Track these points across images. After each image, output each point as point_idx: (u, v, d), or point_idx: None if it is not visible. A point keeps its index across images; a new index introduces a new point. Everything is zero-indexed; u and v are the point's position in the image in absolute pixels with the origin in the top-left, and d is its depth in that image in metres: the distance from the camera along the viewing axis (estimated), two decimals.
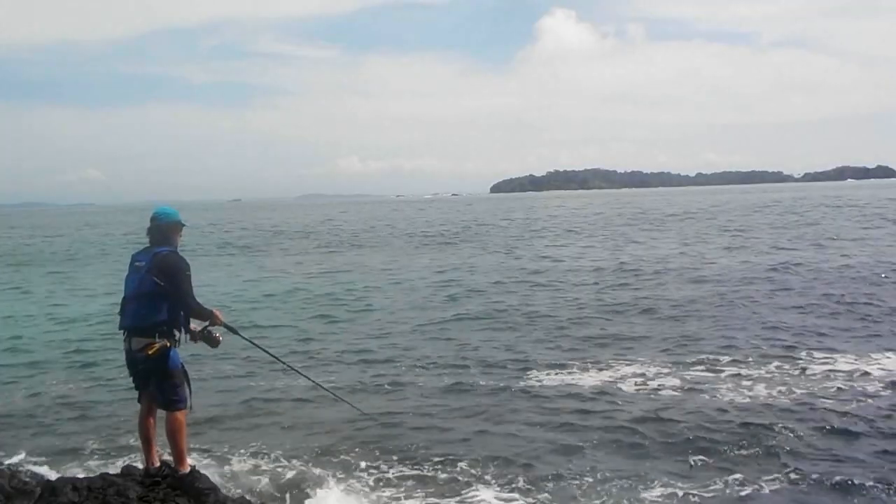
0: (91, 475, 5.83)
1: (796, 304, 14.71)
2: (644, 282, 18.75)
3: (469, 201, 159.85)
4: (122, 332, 5.68)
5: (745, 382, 9.26)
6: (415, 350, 11.80)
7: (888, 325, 12.40)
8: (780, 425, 7.58)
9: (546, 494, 6.27)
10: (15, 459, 7.18)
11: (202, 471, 5.88)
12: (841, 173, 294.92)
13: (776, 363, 10.08)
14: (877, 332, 11.99)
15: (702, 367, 10.05)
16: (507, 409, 8.52)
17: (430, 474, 6.73)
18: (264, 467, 6.94)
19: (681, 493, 6.20)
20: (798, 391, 8.81)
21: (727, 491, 6.25)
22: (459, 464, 6.91)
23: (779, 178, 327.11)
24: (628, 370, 10.04)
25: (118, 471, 5.92)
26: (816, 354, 10.48)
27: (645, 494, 6.21)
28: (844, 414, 7.94)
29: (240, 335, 5.95)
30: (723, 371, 9.83)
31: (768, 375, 9.55)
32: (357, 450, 7.31)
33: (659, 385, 9.30)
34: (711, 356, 10.60)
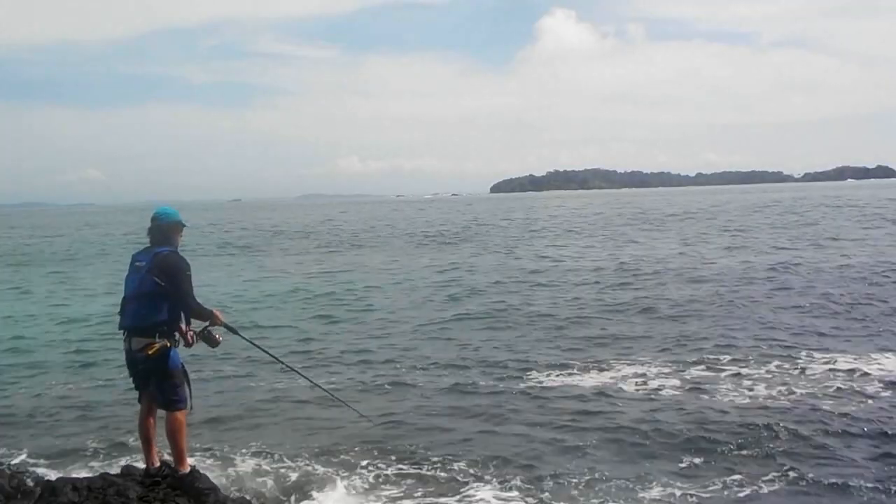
0: (91, 475, 5.83)
1: (796, 304, 14.71)
2: (644, 282, 18.75)
3: (469, 201, 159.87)
4: (121, 332, 5.68)
5: (745, 382, 9.26)
6: (415, 350, 11.80)
7: (888, 325, 12.40)
8: (779, 425, 7.58)
9: (546, 494, 6.26)
10: (15, 459, 7.18)
11: (202, 471, 5.88)
12: (841, 173, 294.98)
13: (776, 363, 10.08)
14: (877, 332, 11.99)
15: (702, 367, 10.06)
16: (508, 410, 8.52)
17: (429, 474, 6.73)
18: (264, 467, 6.94)
19: (680, 494, 6.20)
20: (798, 391, 8.81)
21: (727, 491, 6.25)
22: (459, 464, 6.91)
23: (779, 178, 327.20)
24: (628, 370, 10.04)
25: (118, 471, 5.93)
26: (816, 354, 10.48)
27: (644, 494, 6.22)
28: (844, 414, 7.94)
29: (240, 335, 5.96)
30: (723, 371, 9.83)
31: (768, 375, 9.55)
32: (357, 450, 7.31)
33: (659, 385, 9.30)
34: (711, 356, 10.60)
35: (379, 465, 6.95)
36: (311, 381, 7.52)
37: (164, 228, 5.76)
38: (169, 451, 5.71)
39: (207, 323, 5.72)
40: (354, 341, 12.62)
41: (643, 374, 9.80)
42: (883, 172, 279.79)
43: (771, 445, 7.13)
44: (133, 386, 5.81)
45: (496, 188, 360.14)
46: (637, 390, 9.13)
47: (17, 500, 5.48)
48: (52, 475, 6.29)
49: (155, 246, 5.71)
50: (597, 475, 6.58)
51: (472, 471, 6.76)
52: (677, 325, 13.06)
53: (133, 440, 7.23)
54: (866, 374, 9.45)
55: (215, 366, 10.45)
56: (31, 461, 7.15)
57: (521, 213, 69.77)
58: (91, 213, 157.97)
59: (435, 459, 7.03)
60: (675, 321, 13.47)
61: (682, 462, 6.85)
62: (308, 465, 6.98)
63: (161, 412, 5.70)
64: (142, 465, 5.85)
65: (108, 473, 5.79)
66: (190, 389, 5.71)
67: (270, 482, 6.60)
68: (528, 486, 6.41)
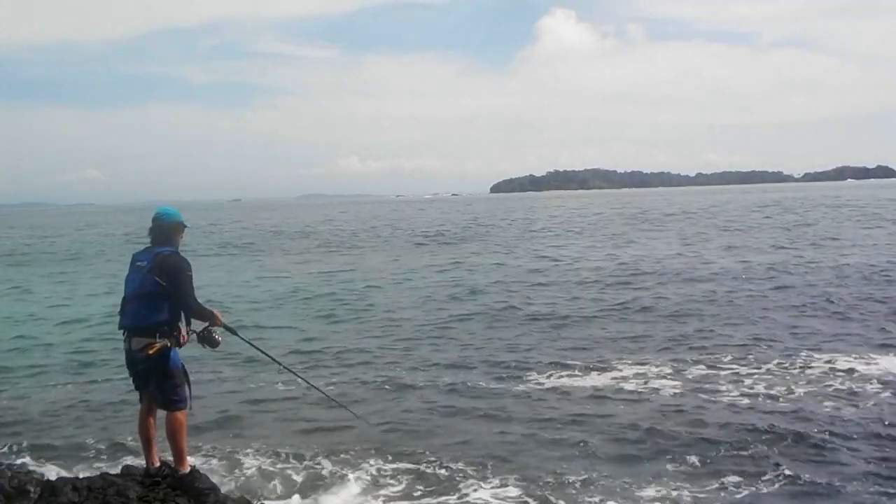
0: (91, 475, 5.83)
1: (795, 303, 14.72)
2: (644, 282, 18.75)
3: (469, 201, 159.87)
4: (121, 332, 5.68)
5: (744, 382, 9.26)
6: (415, 350, 11.81)
7: (887, 325, 12.40)
8: (779, 425, 7.58)
9: (545, 494, 6.26)
10: (15, 459, 7.18)
11: (202, 471, 5.88)
12: (841, 173, 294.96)
13: (776, 363, 10.09)
14: (876, 331, 12.00)
15: (702, 367, 10.06)
16: (507, 410, 8.52)
17: (429, 475, 6.73)
18: (264, 467, 6.95)
19: (680, 494, 6.20)
20: (797, 391, 8.82)
21: (726, 491, 6.25)
22: (459, 464, 6.92)
23: (779, 178, 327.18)
24: (628, 370, 10.04)
25: (118, 471, 5.92)
26: (815, 354, 10.48)
27: (644, 494, 6.22)
28: (843, 414, 7.95)
29: (239, 336, 5.95)
30: (722, 371, 9.83)
31: (768, 375, 9.55)
32: (357, 449, 7.31)
33: (659, 385, 9.30)
34: (711, 356, 10.61)
35: (379, 465, 6.95)
36: (309, 384, 7.49)
37: (166, 228, 5.76)
38: (169, 451, 5.71)
39: (207, 324, 5.72)
40: (355, 341, 12.63)
41: (643, 374, 9.80)
42: (883, 172, 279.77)
43: (770, 445, 7.13)
44: (133, 386, 5.81)
45: (496, 188, 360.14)
46: (637, 390, 9.13)
47: (17, 500, 5.48)
48: (52, 475, 6.30)
49: (156, 246, 5.70)
50: (596, 475, 6.59)
51: (471, 471, 6.76)
52: (677, 325, 13.07)
53: (133, 440, 7.23)
54: (866, 374, 9.45)
55: (215, 366, 10.45)
56: (31, 461, 7.16)
57: (521, 213, 69.78)
58: (91, 213, 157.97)
59: (435, 459, 7.04)
60: (674, 321, 13.48)
61: (681, 462, 6.85)
62: (308, 465, 6.98)
63: (161, 412, 5.70)
64: (142, 465, 5.85)
65: (108, 473, 5.78)
66: (190, 389, 5.71)
67: (270, 482, 6.61)
68: (528, 486, 6.41)
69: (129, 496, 5.22)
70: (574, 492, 6.30)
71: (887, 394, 8.63)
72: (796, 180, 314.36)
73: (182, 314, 5.65)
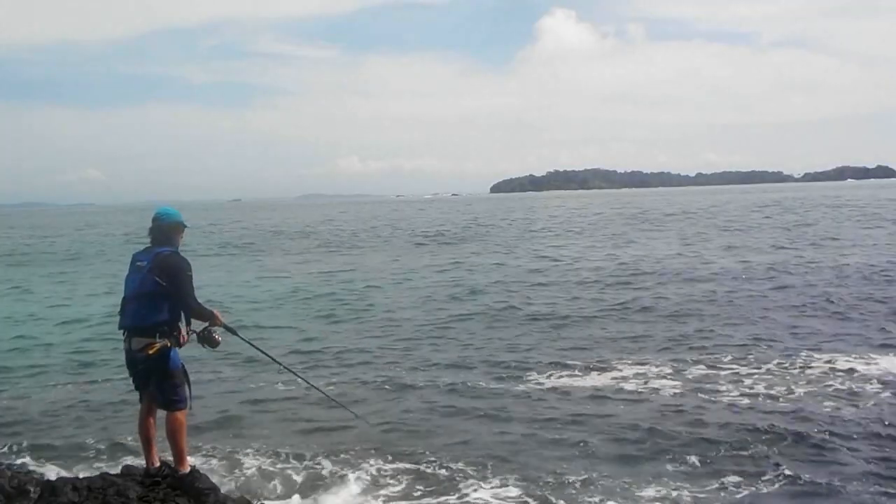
0: (91, 475, 5.83)
1: (796, 303, 14.72)
2: (644, 282, 18.75)
3: (469, 201, 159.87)
4: (121, 332, 5.68)
5: (744, 382, 9.26)
6: (415, 350, 11.81)
7: (887, 325, 12.40)
8: (778, 425, 7.58)
9: (545, 494, 6.26)
10: (15, 459, 7.18)
11: (202, 471, 5.88)
12: (841, 173, 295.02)
13: (775, 363, 10.09)
14: (876, 331, 12.00)
15: (701, 367, 10.06)
16: (507, 410, 8.52)
17: (429, 475, 6.73)
18: (264, 468, 6.95)
19: (679, 493, 6.20)
20: (797, 391, 8.82)
21: (726, 491, 6.25)
22: (458, 464, 6.91)
23: (779, 178, 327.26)
24: (628, 370, 10.04)
25: (118, 471, 5.92)
26: (815, 354, 10.48)
27: (643, 494, 6.22)
28: (843, 414, 7.95)
29: (239, 336, 5.95)
30: (722, 371, 9.83)
31: (768, 375, 9.55)
32: (357, 449, 7.31)
33: (659, 385, 9.30)
34: (711, 356, 10.61)
35: (379, 465, 6.95)
36: (309, 383, 7.49)
37: (166, 229, 5.76)
38: (169, 451, 5.71)
39: (207, 324, 5.72)
40: (355, 341, 12.63)
41: (643, 374, 9.80)
42: (883, 172, 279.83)
43: (770, 445, 7.13)
44: (133, 386, 5.81)
45: (496, 188, 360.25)
46: (636, 390, 9.13)
47: (17, 500, 5.48)
48: (52, 475, 6.30)
49: (156, 246, 5.70)
50: (596, 475, 6.59)
51: (471, 471, 6.76)
52: (677, 325, 13.07)
53: (133, 440, 7.22)
54: (866, 374, 9.45)
55: (215, 366, 10.46)
56: (31, 461, 7.16)
57: (521, 213, 69.77)
58: (91, 213, 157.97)
59: (435, 459, 7.04)
60: (674, 321, 13.48)
61: (681, 462, 6.85)
62: (308, 465, 6.98)
63: (161, 412, 5.70)
64: (142, 465, 5.84)
65: (108, 473, 5.78)
66: (190, 390, 5.71)
67: (270, 482, 6.61)
68: (528, 486, 6.41)
69: (129, 496, 5.22)
70: (574, 492, 6.30)
71: (887, 394, 8.63)
72: (796, 180, 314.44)
73: (182, 314, 5.66)
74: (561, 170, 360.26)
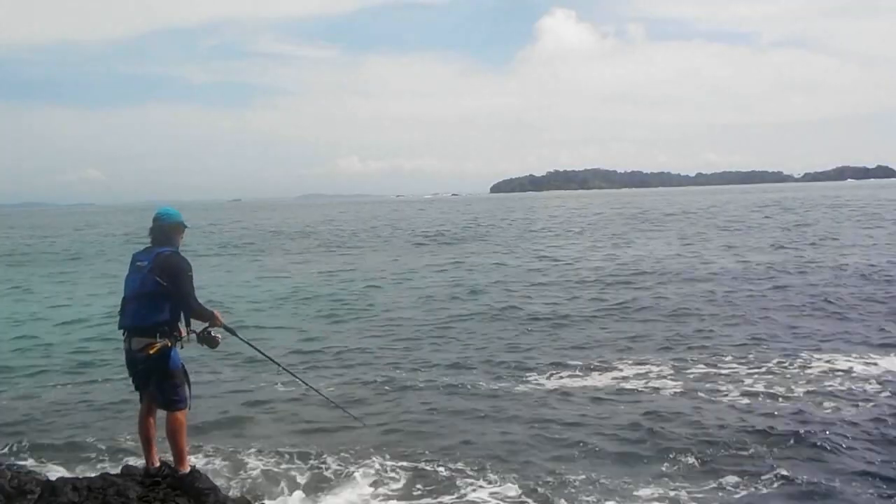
0: (91, 475, 5.83)
1: (795, 303, 14.72)
2: (644, 282, 18.75)
3: (469, 201, 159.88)
4: (121, 332, 5.68)
5: (744, 382, 9.26)
6: (415, 350, 11.81)
7: (887, 325, 12.40)
8: (779, 426, 7.59)
9: (544, 494, 6.26)
10: (15, 460, 7.18)
11: (202, 471, 5.88)
12: (841, 173, 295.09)
13: (776, 363, 10.09)
14: (876, 331, 12.00)
15: (701, 367, 10.06)
16: (507, 410, 8.52)
17: (429, 475, 6.73)
18: (265, 468, 6.95)
19: (679, 494, 6.20)
20: (797, 391, 8.82)
21: (726, 491, 6.25)
22: (458, 464, 6.92)
23: (779, 178, 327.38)
24: (627, 370, 10.04)
25: (118, 471, 5.92)
26: (815, 354, 10.48)
27: (643, 494, 6.22)
28: (843, 414, 7.95)
29: (238, 337, 5.95)
30: (722, 371, 9.83)
31: (768, 375, 9.55)
32: (357, 449, 7.31)
33: (659, 385, 9.30)
34: (711, 356, 10.61)
35: (379, 465, 6.95)
36: (307, 385, 7.44)
37: (166, 229, 5.76)
38: (169, 451, 5.71)
39: (207, 324, 5.72)
40: (355, 341, 12.63)
41: (642, 375, 9.81)
42: (883, 172, 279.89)
43: (770, 446, 7.13)
44: (133, 386, 5.81)
45: (496, 188, 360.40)
46: (637, 390, 9.13)
47: (17, 500, 5.48)
48: (52, 475, 6.29)
49: (156, 246, 5.70)
50: (596, 475, 6.59)
51: (471, 471, 6.76)
52: (677, 325, 13.06)
53: (133, 440, 7.23)
54: (865, 374, 9.45)
55: (216, 367, 10.46)
56: (31, 461, 7.16)
57: (521, 213, 69.78)
58: (91, 213, 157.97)
59: (435, 459, 7.04)
60: (674, 321, 13.48)
61: (681, 462, 6.85)
62: (308, 465, 6.98)
63: (161, 412, 5.71)
64: (142, 465, 5.85)
65: (108, 473, 5.78)
66: (190, 389, 5.71)
67: (270, 482, 6.61)
68: (528, 486, 6.41)
69: (129, 496, 5.22)
70: (574, 492, 6.30)
71: (887, 394, 8.63)
72: (796, 180, 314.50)
73: (182, 314, 5.66)
74: (561, 170, 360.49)
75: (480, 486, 6.45)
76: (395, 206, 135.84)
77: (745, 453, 6.98)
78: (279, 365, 6.85)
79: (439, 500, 6.26)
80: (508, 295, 17.34)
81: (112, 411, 8.81)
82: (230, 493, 6.00)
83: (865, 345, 11.06)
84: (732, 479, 6.45)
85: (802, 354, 10.49)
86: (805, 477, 6.41)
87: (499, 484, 6.48)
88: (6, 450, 7.50)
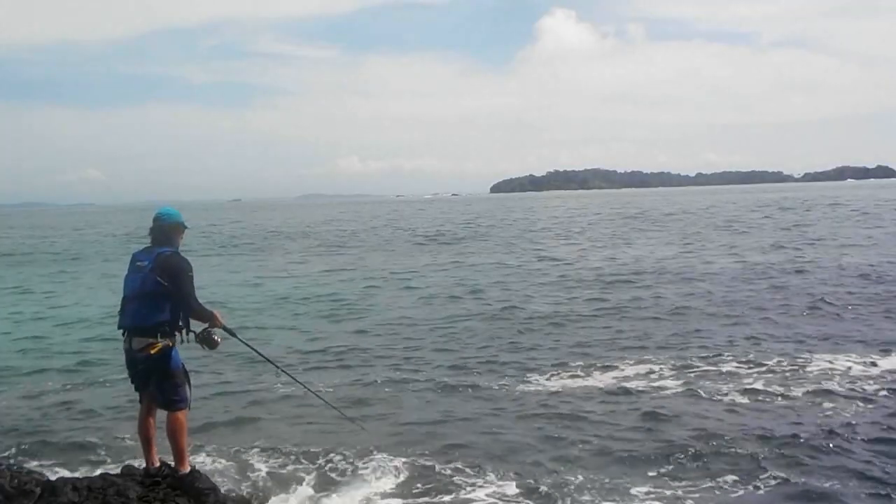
0: (91, 475, 5.84)
1: (795, 303, 14.72)
2: (644, 282, 18.76)
3: (469, 201, 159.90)
4: (121, 332, 5.69)
5: (743, 382, 9.26)
6: (415, 350, 11.82)
7: (887, 325, 12.41)
8: (778, 426, 7.59)
9: (544, 494, 6.26)
10: (15, 460, 7.19)
11: (203, 471, 5.89)
12: (841, 173, 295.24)
13: (776, 363, 10.08)
14: (876, 331, 11.99)
15: (701, 367, 10.05)
16: (507, 410, 8.52)
17: (429, 475, 6.73)
18: (265, 468, 6.95)
19: (679, 494, 6.20)
20: (797, 391, 8.82)
21: (725, 491, 6.25)
22: (458, 464, 6.91)
23: (779, 178, 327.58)
24: (628, 370, 10.05)
25: (118, 471, 5.93)
26: (815, 354, 10.48)
27: (642, 494, 6.22)
28: (843, 414, 7.95)
29: (238, 338, 5.95)
30: (722, 371, 9.83)
31: (767, 375, 9.55)
32: (357, 449, 7.30)
33: (659, 385, 9.31)
34: (711, 356, 10.61)
35: (379, 465, 6.94)
36: (305, 387, 7.40)
37: (166, 229, 5.77)
38: (170, 451, 5.72)
39: (207, 325, 5.73)
40: (355, 341, 12.63)
41: (642, 375, 9.81)
42: (883, 172, 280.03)
43: (769, 446, 7.12)
44: (133, 386, 5.82)
45: (496, 188, 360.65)
46: (637, 390, 9.13)
47: (17, 500, 5.48)
48: (52, 475, 6.30)
49: (156, 246, 5.71)
50: (596, 475, 6.59)
51: (471, 471, 6.76)
52: (677, 325, 13.07)
53: (133, 440, 7.22)
54: (865, 374, 9.45)
55: (217, 367, 10.46)
56: (32, 461, 7.15)
57: (521, 213, 69.79)
58: (91, 213, 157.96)
59: (434, 459, 7.03)
60: (674, 321, 13.48)
61: (680, 462, 6.85)
62: (308, 465, 6.99)
63: (161, 412, 5.71)
64: (142, 465, 5.85)
65: (108, 473, 5.79)
66: (190, 389, 5.72)
67: (270, 483, 6.61)
68: (528, 486, 6.41)
69: (129, 496, 5.23)
70: (574, 491, 6.29)
71: (886, 394, 8.64)
72: (796, 180, 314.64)
73: (181, 314, 5.66)
74: (561, 170, 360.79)
75: (480, 486, 6.45)
76: (395, 206, 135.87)
77: (744, 453, 6.98)
78: (277, 366, 6.86)
79: (440, 499, 6.27)
80: (508, 295, 17.35)
81: (112, 411, 8.81)
82: (230, 493, 6.00)
83: (864, 345, 11.07)
84: (731, 478, 6.45)
85: (802, 354, 10.50)
86: (804, 477, 6.41)
87: (499, 483, 6.49)
88: (6, 450, 7.50)
